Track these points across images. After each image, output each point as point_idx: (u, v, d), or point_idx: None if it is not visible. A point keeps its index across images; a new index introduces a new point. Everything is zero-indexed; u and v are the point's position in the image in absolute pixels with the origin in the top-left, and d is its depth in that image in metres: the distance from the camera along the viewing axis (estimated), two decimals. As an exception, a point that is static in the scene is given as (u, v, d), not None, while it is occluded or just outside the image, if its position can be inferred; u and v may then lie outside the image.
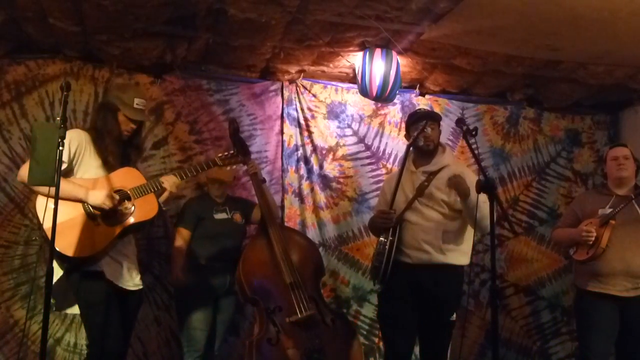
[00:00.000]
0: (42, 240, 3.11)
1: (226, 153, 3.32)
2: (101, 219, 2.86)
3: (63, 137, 2.42)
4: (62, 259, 2.79)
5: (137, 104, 2.99)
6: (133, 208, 2.92)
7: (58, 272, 2.86)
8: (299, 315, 3.43)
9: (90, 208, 2.84)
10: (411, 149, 3.31)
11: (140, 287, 3.08)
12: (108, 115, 3.00)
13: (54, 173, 2.39)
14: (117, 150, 2.98)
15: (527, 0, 3.18)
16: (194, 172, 3.16)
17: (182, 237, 3.71)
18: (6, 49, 3.84)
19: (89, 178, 2.89)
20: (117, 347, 2.90)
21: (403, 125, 4.04)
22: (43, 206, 2.60)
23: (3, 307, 3.75)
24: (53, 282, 2.83)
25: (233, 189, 4.16)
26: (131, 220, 2.92)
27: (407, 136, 3.44)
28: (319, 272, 3.81)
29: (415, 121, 3.33)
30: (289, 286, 3.50)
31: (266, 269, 3.57)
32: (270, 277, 3.55)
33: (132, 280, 3.02)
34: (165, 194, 3.13)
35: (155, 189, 3.01)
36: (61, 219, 2.65)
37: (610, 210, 3.52)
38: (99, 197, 2.81)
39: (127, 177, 2.97)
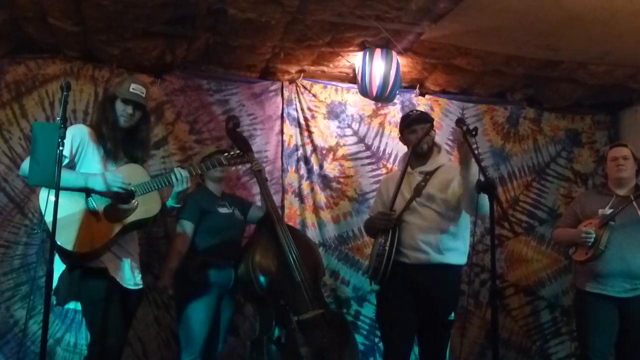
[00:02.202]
0: (44, 235, 3.11)
1: (232, 153, 3.28)
2: (103, 215, 2.85)
3: (63, 137, 2.42)
4: (63, 254, 2.79)
5: (132, 89, 3.00)
6: (136, 204, 2.92)
7: (60, 268, 2.86)
8: (309, 314, 3.42)
9: (93, 203, 2.84)
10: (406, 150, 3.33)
11: (141, 286, 3.08)
12: (106, 104, 3.05)
13: (54, 173, 2.39)
14: (115, 136, 2.98)
15: (527, 0, 3.18)
16: (198, 170, 3.16)
17: (185, 231, 3.51)
18: (6, 49, 3.84)
19: (94, 173, 2.89)
20: (117, 345, 2.90)
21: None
22: (45, 199, 2.61)
23: (3, 307, 3.75)
24: (55, 277, 2.85)
25: (233, 188, 4.16)
26: (133, 216, 2.92)
27: (402, 139, 3.45)
28: (321, 271, 3.82)
29: (409, 125, 3.36)
30: (299, 284, 3.49)
31: (276, 267, 3.55)
32: (280, 276, 3.53)
33: (134, 280, 3.02)
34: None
35: (160, 186, 3.00)
36: (63, 213, 2.65)
37: (611, 210, 3.52)
38: (99, 181, 2.81)
39: (131, 174, 2.96)
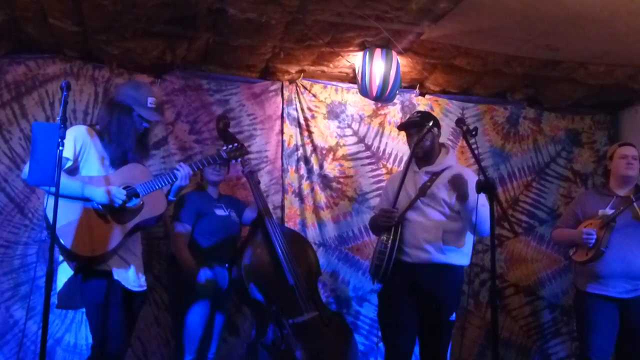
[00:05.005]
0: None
1: (230, 146, 3.31)
2: (111, 217, 2.85)
3: (63, 137, 2.42)
4: (75, 258, 2.78)
5: (150, 104, 2.97)
6: (142, 204, 2.91)
7: (68, 273, 2.86)
8: (304, 317, 3.41)
9: (100, 206, 2.83)
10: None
11: (145, 288, 3.07)
12: (123, 116, 2.95)
13: (54, 173, 2.39)
14: (125, 143, 2.96)
15: (527, 0, 3.18)
16: (205, 163, 3.18)
17: (181, 232, 3.54)
18: (6, 49, 3.84)
19: (96, 176, 2.88)
20: (119, 347, 2.90)
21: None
22: (51, 205, 2.59)
23: (3, 307, 3.75)
24: (64, 283, 2.85)
25: (233, 188, 4.16)
26: (140, 217, 2.91)
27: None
28: (316, 272, 3.81)
29: (403, 129, 3.45)
30: (293, 287, 3.49)
31: (270, 270, 3.55)
32: (273, 278, 3.53)
33: (138, 282, 3.00)
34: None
35: (165, 183, 3.00)
36: (72, 217, 2.67)
37: (612, 211, 3.52)
38: (101, 194, 2.81)
39: (134, 173, 2.96)
